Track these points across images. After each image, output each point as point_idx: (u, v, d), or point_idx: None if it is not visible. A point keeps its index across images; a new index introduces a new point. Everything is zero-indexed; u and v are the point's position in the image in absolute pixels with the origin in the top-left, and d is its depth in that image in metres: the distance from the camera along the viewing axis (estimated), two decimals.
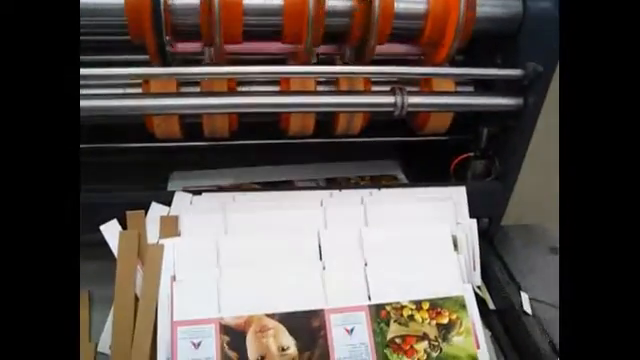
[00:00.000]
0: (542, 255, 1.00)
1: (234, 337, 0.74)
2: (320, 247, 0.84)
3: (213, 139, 0.93)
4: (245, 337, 0.74)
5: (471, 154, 0.98)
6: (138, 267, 0.81)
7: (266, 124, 0.94)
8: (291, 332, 0.75)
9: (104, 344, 0.79)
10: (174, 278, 0.79)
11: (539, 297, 0.90)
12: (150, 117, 0.88)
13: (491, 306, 0.92)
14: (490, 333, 0.87)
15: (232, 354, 0.73)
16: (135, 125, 0.91)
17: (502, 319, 0.91)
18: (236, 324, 0.75)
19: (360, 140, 0.99)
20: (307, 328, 0.76)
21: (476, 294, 0.87)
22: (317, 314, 0.77)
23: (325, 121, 0.93)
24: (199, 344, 0.73)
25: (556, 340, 0.82)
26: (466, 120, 0.98)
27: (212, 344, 0.73)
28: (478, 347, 0.80)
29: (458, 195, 0.93)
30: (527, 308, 0.88)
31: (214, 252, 0.82)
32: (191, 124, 0.91)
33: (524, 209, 1.03)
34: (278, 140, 0.97)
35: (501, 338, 0.88)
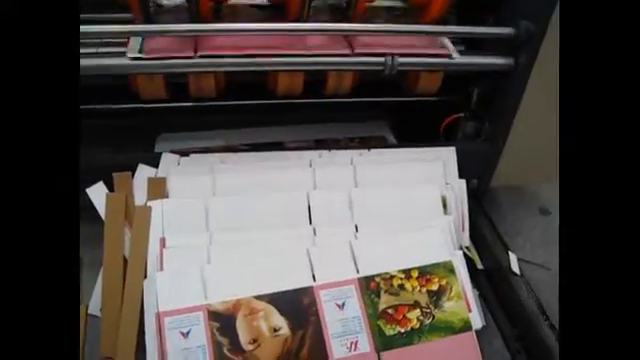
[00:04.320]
0: (530, 216, 1.01)
1: (223, 323, 0.72)
2: (310, 209, 0.84)
3: (200, 99, 0.91)
4: (235, 321, 0.73)
5: (461, 115, 0.98)
6: (126, 229, 0.81)
7: (254, 84, 0.93)
8: (281, 312, 0.74)
9: (94, 306, 0.79)
10: (163, 241, 0.79)
11: (527, 257, 0.91)
12: (135, 77, 0.86)
13: (479, 266, 0.93)
14: (478, 292, 0.88)
15: (223, 340, 0.71)
16: (119, 87, 0.89)
17: (490, 279, 0.92)
18: (224, 309, 0.73)
19: (349, 100, 0.98)
20: (297, 307, 0.75)
21: (465, 254, 0.87)
22: (306, 291, 0.76)
23: (314, 81, 0.92)
24: (188, 333, 0.71)
25: (543, 300, 0.83)
26: (456, 80, 0.97)
27: (201, 332, 0.71)
28: (470, 310, 0.81)
29: (448, 155, 0.93)
30: (515, 268, 0.89)
31: (203, 214, 0.81)
32: (177, 84, 0.89)
33: (513, 170, 1.03)
34: (266, 100, 0.96)
35: (489, 297, 0.89)
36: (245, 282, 0.75)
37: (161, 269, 0.76)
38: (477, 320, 0.81)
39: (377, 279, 0.79)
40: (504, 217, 1.00)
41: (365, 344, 0.75)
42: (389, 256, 0.81)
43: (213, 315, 0.72)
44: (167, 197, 0.83)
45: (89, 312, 0.79)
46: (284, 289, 0.76)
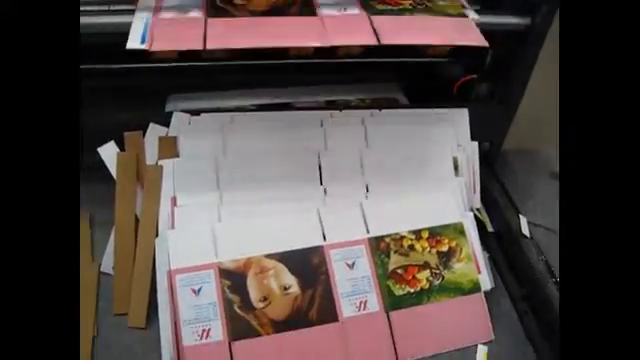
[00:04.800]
0: (542, 180, 1.00)
1: (234, 280, 0.73)
2: (320, 169, 0.84)
3: (211, 59, 0.90)
4: (246, 279, 0.73)
5: (474, 76, 0.96)
6: (137, 189, 0.81)
7: None
8: (292, 271, 0.75)
9: (107, 265, 0.80)
10: (174, 200, 0.79)
11: (537, 221, 0.91)
12: None
13: (490, 229, 0.93)
14: (488, 255, 0.88)
15: (234, 297, 0.72)
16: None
17: (500, 241, 0.92)
18: (235, 267, 0.74)
19: (361, 61, 0.97)
20: (308, 266, 0.75)
21: (475, 217, 0.87)
22: (316, 251, 0.76)
23: None
24: (199, 290, 0.72)
25: (552, 262, 0.83)
26: None
27: (212, 289, 0.72)
28: (479, 272, 0.81)
29: (460, 117, 0.92)
30: (525, 231, 0.89)
31: (213, 173, 0.81)
32: None
33: (525, 133, 1.02)
34: (278, 60, 0.95)
35: (498, 259, 0.90)
36: (256, 241, 0.76)
37: (172, 228, 0.77)
38: (486, 281, 0.82)
39: (387, 239, 0.79)
40: (515, 180, 0.99)
41: (374, 304, 0.76)
42: (399, 217, 0.81)
43: (224, 273, 0.73)
44: (178, 156, 0.83)
45: (102, 270, 0.80)
46: (294, 248, 0.76)
